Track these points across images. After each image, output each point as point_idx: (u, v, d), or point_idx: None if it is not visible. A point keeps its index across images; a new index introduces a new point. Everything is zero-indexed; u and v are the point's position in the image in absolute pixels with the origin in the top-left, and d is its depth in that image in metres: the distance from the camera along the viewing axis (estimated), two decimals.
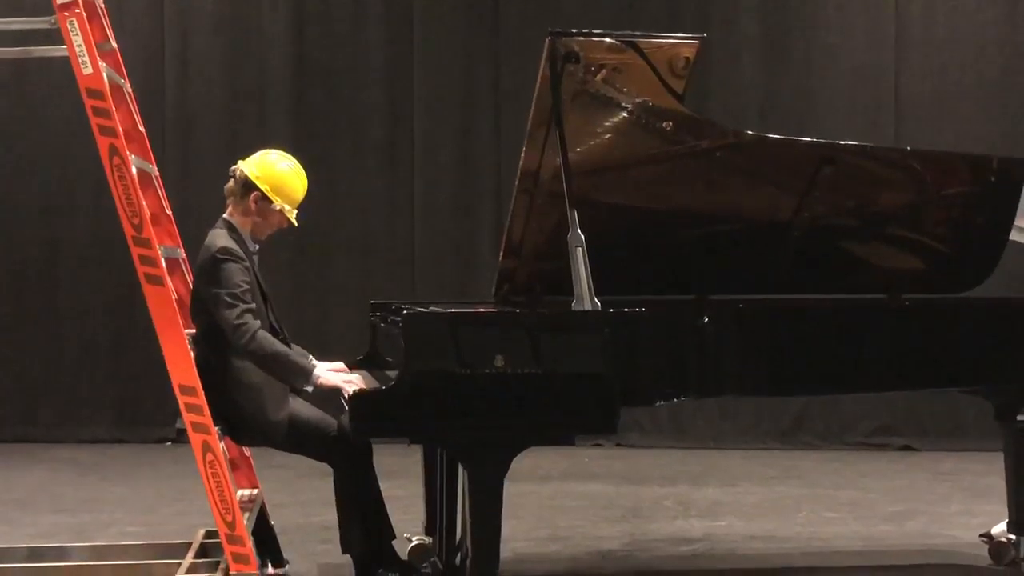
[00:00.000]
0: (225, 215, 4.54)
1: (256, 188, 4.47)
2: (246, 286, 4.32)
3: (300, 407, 4.43)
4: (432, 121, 8.76)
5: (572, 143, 4.25)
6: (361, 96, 8.79)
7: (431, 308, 4.46)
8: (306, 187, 4.56)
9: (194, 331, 4.48)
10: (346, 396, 4.16)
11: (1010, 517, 4.91)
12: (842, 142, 4.84)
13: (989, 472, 5.36)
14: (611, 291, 4.23)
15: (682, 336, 4.22)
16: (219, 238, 4.41)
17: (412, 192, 8.79)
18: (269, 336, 4.30)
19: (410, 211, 8.79)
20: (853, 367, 4.48)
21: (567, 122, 4.23)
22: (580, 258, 4.09)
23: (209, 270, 4.35)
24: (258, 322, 4.29)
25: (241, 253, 4.38)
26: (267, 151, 4.60)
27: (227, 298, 4.28)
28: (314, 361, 4.40)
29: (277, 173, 4.51)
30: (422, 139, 8.77)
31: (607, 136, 4.55)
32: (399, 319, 4.28)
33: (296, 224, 4.56)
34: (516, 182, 4.52)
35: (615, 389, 3.99)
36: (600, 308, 4.06)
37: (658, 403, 4.24)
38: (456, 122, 8.77)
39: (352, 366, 4.63)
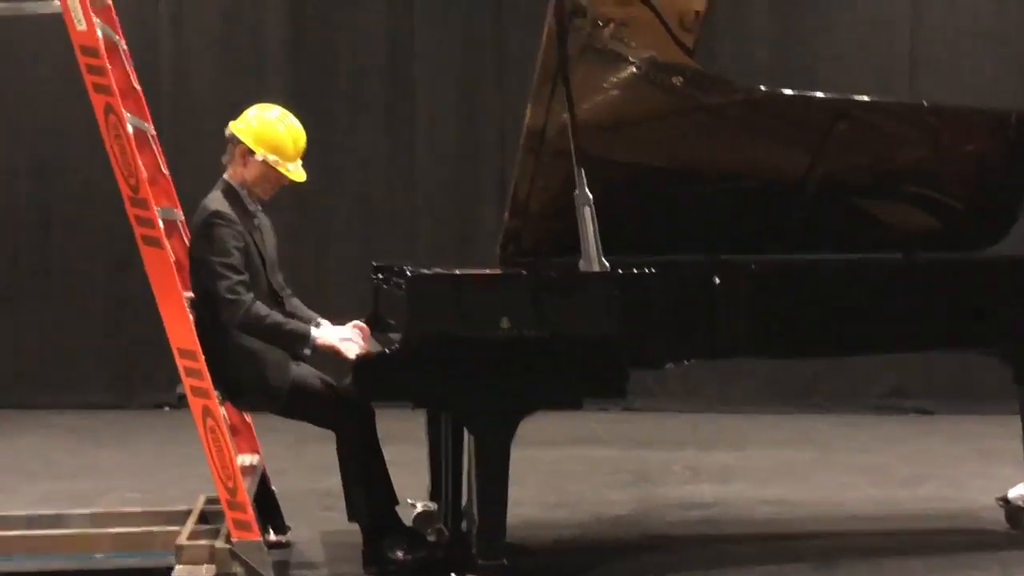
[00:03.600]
0: (224, 175, 4.55)
1: (241, 141, 4.47)
2: (237, 253, 4.32)
3: (302, 371, 4.44)
4: (433, 76, 8.73)
5: (579, 100, 4.25)
6: (360, 51, 8.76)
7: (434, 269, 4.47)
8: (298, 139, 4.51)
9: (192, 294, 4.49)
10: (346, 358, 4.17)
11: None
12: (856, 97, 4.82)
13: (1006, 435, 5.36)
14: (620, 251, 4.24)
15: (693, 297, 4.22)
16: (213, 201, 4.42)
17: (413, 150, 8.77)
18: (262, 307, 4.31)
19: (411, 170, 8.78)
20: (867, 328, 4.49)
21: (573, 78, 4.22)
22: (588, 217, 4.09)
23: (202, 234, 4.37)
24: (251, 294, 4.30)
25: (232, 216, 4.38)
26: (256, 105, 4.60)
27: (219, 268, 4.29)
28: (320, 321, 4.40)
29: (260, 122, 4.49)
30: (423, 95, 8.74)
31: (615, 92, 4.54)
32: (402, 281, 4.28)
33: (296, 179, 4.53)
34: (521, 140, 4.51)
35: (624, 352, 4.00)
36: (608, 269, 4.06)
37: (667, 365, 4.24)
38: (458, 77, 8.74)
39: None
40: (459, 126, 8.76)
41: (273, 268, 4.59)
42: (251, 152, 4.46)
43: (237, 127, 4.49)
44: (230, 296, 4.27)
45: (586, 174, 4.13)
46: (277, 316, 4.34)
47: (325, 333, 4.34)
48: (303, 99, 8.10)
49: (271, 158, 4.45)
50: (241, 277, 4.31)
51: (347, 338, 4.30)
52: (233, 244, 4.33)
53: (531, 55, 4.34)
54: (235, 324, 4.27)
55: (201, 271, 4.37)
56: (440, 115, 8.76)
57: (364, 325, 4.45)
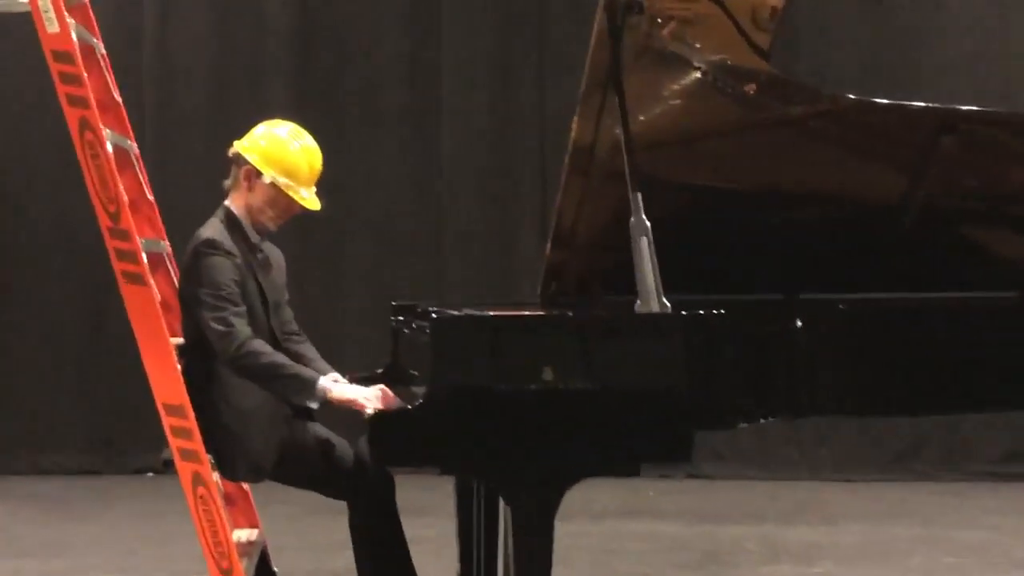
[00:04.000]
0: (225, 202, 4.56)
1: (247, 161, 4.48)
2: (234, 286, 4.33)
3: (308, 430, 4.44)
4: (462, 84, 8.76)
5: (634, 111, 4.22)
6: (377, 53, 8.80)
7: (464, 310, 4.46)
8: (313, 160, 4.53)
9: (182, 340, 4.49)
10: (364, 414, 4.15)
11: None
12: (964, 107, 4.79)
13: None
14: (682, 289, 4.21)
15: (770, 343, 4.18)
16: (208, 228, 4.43)
17: (439, 170, 8.79)
18: (262, 344, 4.31)
19: (437, 194, 8.80)
20: (977, 380, 4.44)
21: (628, 85, 4.20)
22: (645, 249, 4.06)
23: (191, 266, 4.38)
24: (249, 329, 4.30)
25: (229, 246, 4.39)
26: (265, 121, 4.61)
27: (209, 299, 4.29)
28: (335, 376, 4.40)
29: (269, 140, 4.51)
30: (450, 106, 8.77)
31: (677, 102, 4.52)
32: (426, 324, 4.27)
33: (309, 207, 4.54)
34: (566, 158, 4.50)
35: (689, 408, 3.97)
36: (669, 309, 4.04)
37: (740, 425, 4.20)
38: (492, 85, 8.77)
39: (370, 381, 4.62)
40: (493, 142, 8.78)
41: (278, 311, 4.59)
42: (258, 174, 4.47)
43: (243, 146, 4.51)
44: (221, 328, 4.25)
45: (643, 199, 4.11)
46: (280, 357, 4.33)
47: (337, 385, 4.32)
48: (310, 112, 8.15)
49: (282, 181, 4.46)
50: (237, 308, 4.31)
51: (366, 395, 4.27)
52: (228, 276, 4.33)
53: (579, 59, 4.33)
54: (231, 361, 4.26)
55: (191, 309, 4.37)
56: (471, 130, 8.78)
57: (389, 392, 4.42)
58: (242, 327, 4.28)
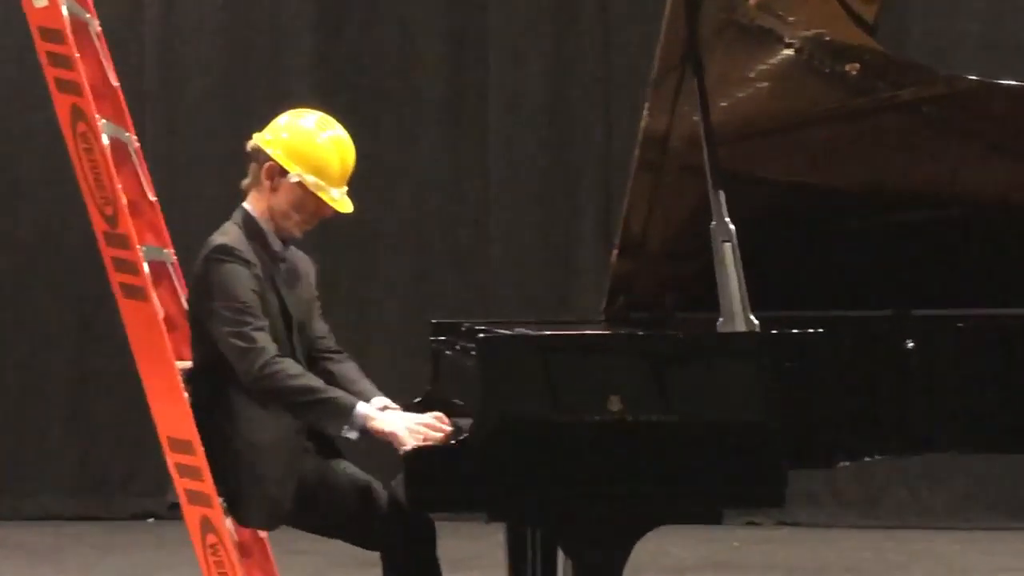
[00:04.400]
0: (243, 203, 4.58)
1: (269, 157, 4.50)
2: (253, 297, 4.35)
3: (336, 470, 4.46)
4: (512, 66, 8.76)
5: (715, 95, 4.24)
6: (412, 26, 8.81)
7: (516, 329, 4.47)
8: (346, 156, 4.53)
9: (189, 364, 4.52)
10: (400, 450, 4.16)
11: None
12: None
13: None
14: (771, 304, 4.21)
15: (876, 367, 4.17)
16: (223, 234, 4.45)
17: (485, 166, 8.80)
18: (294, 364, 4.32)
19: (483, 192, 8.80)
20: None
21: (708, 66, 4.21)
22: (729, 257, 4.06)
23: (202, 276, 4.39)
24: (275, 345, 4.32)
25: (246, 254, 4.40)
26: (289, 111, 4.64)
27: (226, 312, 4.29)
28: (383, 402, 4.40)
29: (296, 132, 4.51)
30: (498, 93, 8.78)
31: (765, 85, 4.54)
32: (472, 345, 4.27)
33: (341, 210, 4.53)
34: (636, 151, 4.51)
35: (780, 444, 3.97)
36: (758, 328, 4.04)
37: (841, 464, 4.21)
38: (545, 66, 8.76)
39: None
40: (547, 134, 8.78)
41: (303, 330, 4.60)
42: (283, 172, 4.48)
43: (264, 139, 4.52)
44: (242, 343, 4.26)
45: (726, 198, 4.11)
46: (313, 378, 4.34)
47: (387, 414, 4.30)
48: (336, 100, 8.17)
49: (310, 180, 4.47)
50: (260, 322, 4.32)
51: (417, 428, 4.24)
52: (246, 285, 4.34)
53: (648, 36, 4.34)
54: (250, 382, 4.27)
55: (202, 327, 4.39)
56: (522, 119, 8.78)
57: (447, 419, 4.39)
58: (267, 342, 4.29)
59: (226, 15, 8.90)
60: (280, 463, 4.37)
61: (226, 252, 4.37)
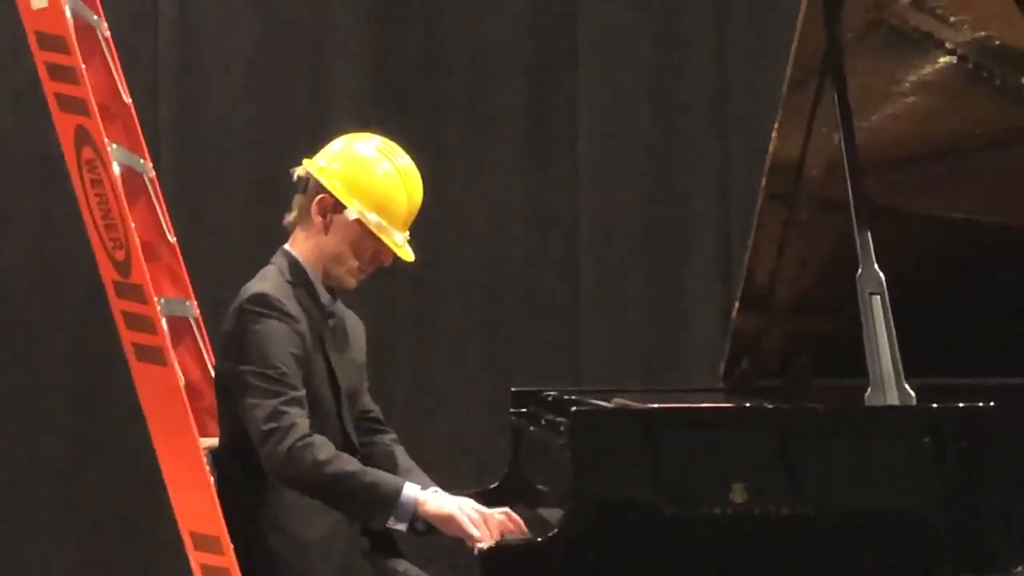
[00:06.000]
0: (285, 245, 4.59)
1: (323, 189, 4.50)
2: (293, 364, 4.32)
3: (395, 571, 4.45)
4: (606, 89, 8.78)
5: (860, 114, 4.25)
6: (485, 32, 8.85)
7: (615, 400, 4.45)
8: (414, 192, 4.57)
9: (216, 441, 4.52)
10: (471, 542, 4.14)
11: None
12: None
13: None
14: (930, 371, 4.21)
15: None
16: (262, 279, 4.46)
17: (575, 205, 8.80)
18: (328, 445, 4.27)
19: (571, 235, 8.80)
20: None
21: (851, 77, 4.21)
22: (879, 312, 4.04)
23: (233, 334, 4.40)
24: (308, 422, 4.28)
25: (290, 306, 4.39)
26: (346, 135, 4.65)
27: (255, 380, 4.27)
28: (435, 489, 4.35)
29: (354, 161, 4.54)
30: (590, 121, 8.79)
31: (921, 100, 4.55)
32: (561, 419, 4.27)
33: (403, 257, 4.56)
34: (762, 182, 4.54)
35: (946, 544, 3.95)
36: (914, 401, 4.01)
37: (1020, 569, 4.12)
38: (645, 88, 8.77)
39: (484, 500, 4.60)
40: (650, 162, 8.77)
41: (353, 403, 4.60)
42: (338, 207, 4.49)
43: (317, 166, 4.54)
44: (268, 419, 4.21)
45: (875, 240, 4.08)
46: (352, 462, 4.28)
47: (441, 496, 4.26)
48: (389, 122, 8.16)
49: (372, 219, 4.47)
50: (295, 393, 4.29)
51: (473, 513, 4.21)
52: (286, 348, 4.32)
53: (776, 43, 4.32)
54: (274, 470, 4.23)
55: (230, 396, 4.38)
56: (616, 144, 8.79)
57: (516, 516, 4.36)
58: (300, 418, 4.25)
59: (257, 17, 8.93)
60: (330, 566, 4.37)
61: (264, 304, 4.36)
